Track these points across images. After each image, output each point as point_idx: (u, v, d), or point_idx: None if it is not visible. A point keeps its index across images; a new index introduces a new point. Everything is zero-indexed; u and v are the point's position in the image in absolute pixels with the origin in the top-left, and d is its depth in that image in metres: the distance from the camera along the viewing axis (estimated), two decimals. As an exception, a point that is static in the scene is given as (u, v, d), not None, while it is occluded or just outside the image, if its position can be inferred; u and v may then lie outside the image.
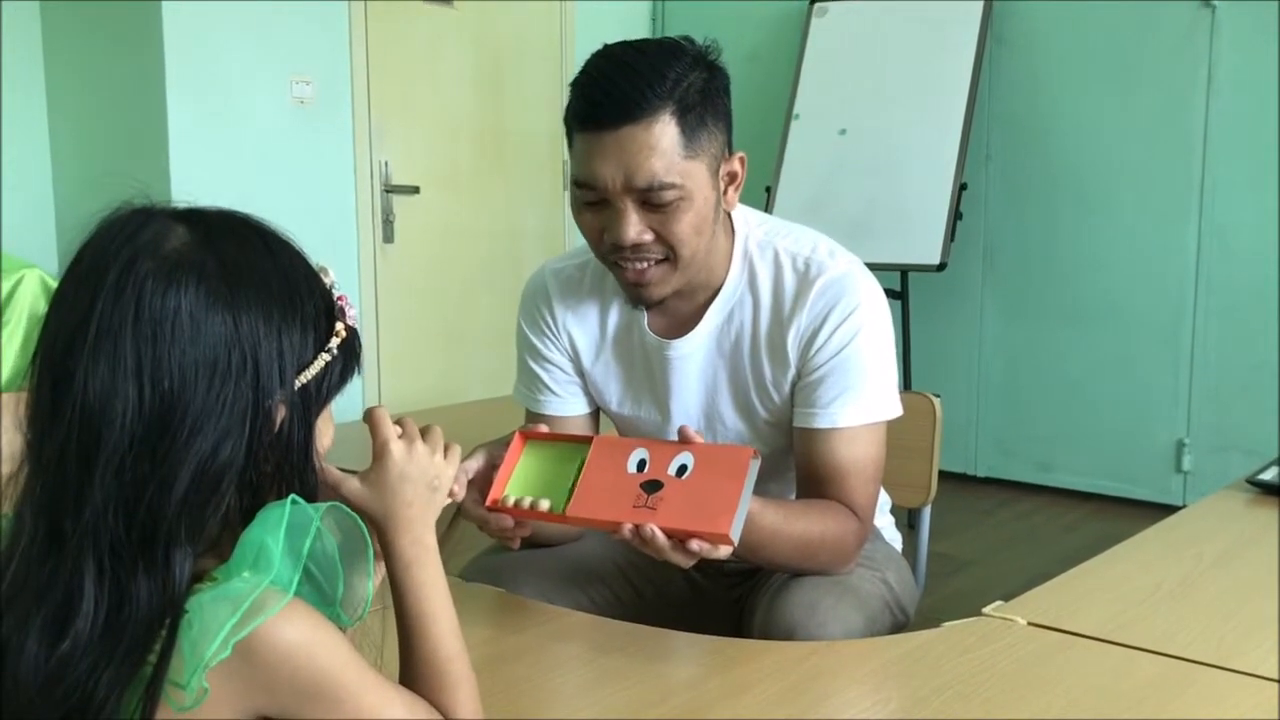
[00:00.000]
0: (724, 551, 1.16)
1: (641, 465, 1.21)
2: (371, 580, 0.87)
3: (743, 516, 1.15)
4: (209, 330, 0.80)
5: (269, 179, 3.80)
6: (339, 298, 0.90)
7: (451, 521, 2.02)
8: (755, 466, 1.18)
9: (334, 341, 0.87)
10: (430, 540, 0.95)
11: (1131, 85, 4.07)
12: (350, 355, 0.89)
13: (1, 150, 3.62)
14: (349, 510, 0.88)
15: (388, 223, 4.24)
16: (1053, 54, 4.23)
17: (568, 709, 1.12)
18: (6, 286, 1.54)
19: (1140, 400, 4.14)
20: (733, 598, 1.55)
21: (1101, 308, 4.20)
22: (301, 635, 0.79)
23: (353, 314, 0.90)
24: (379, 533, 0.93)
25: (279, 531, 0.81)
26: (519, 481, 1.29)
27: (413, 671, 0.92)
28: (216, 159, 3.69)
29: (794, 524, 1.33)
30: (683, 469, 1.19)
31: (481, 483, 1.29)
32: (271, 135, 3.84)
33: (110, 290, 0.79)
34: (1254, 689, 1.11)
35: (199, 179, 3.63)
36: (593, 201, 1.35)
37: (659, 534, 1.15)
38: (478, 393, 3.61)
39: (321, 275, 0.90)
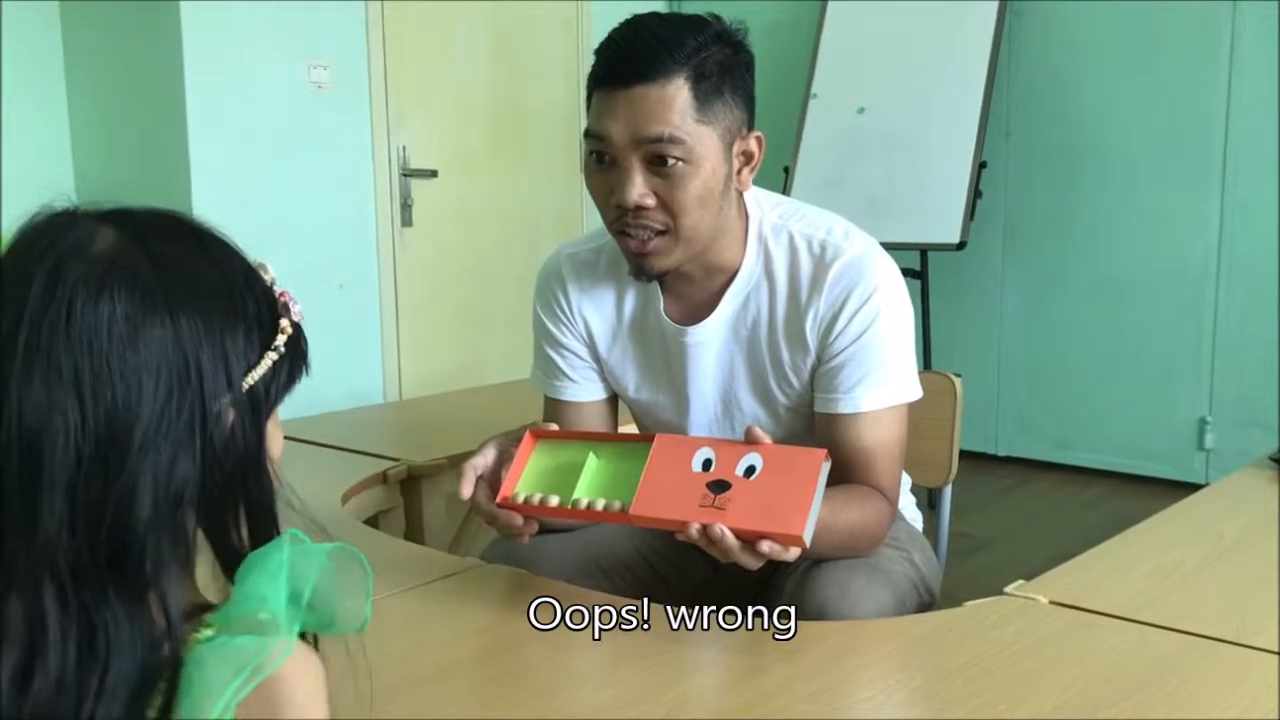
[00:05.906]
0: (794, 553, 1.16)
1: (707, 465, 1.21)
2: (369, 603, 0.81)
3: (814, 518, 1.15)
4: (147, 335, 0.74)
5: (287, 164, 3.81)
6: (281, 294, 0.85)
7: (468, 512, 2.02)
8: (827, 468, 1.18)
9: (280, 339, 0.82)
10: None
11: (1153, 60, 4.03)
12: (297, 354, 0.84)
13: (15, 135, 3.64)
14: (351, 548, 0.81)
15: (406, 207, 4.24)
16: (1073, 29, 4.20)
17: (588, 688, 1.13)
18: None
19: (1162, 378, 4.12)
20: (755, 580, 1.55)
21: (1123, 285, 4.17)
22: (304, 690, 0.74)
23: (297, 310, 0.85)
24: None
25: (279, 581, 0.75)
26: (529, 479, 1.30)
27: None
28: (235, 144, 3.69)
29: (839, 515, 1.32)
30: (751, 470, 1.19)
31: (492, 478, 1.30)
32: (289, 120, 3.84)
33: (37, 301, 0.72)
34: (1276, 666, 1.10)
35: (217, 164, 3.64)
36: (601, 159, 1.36)
37: (728, 534, 1.15)
38: (496, 375, 3.62)
39: (260, 271, 0.84)
